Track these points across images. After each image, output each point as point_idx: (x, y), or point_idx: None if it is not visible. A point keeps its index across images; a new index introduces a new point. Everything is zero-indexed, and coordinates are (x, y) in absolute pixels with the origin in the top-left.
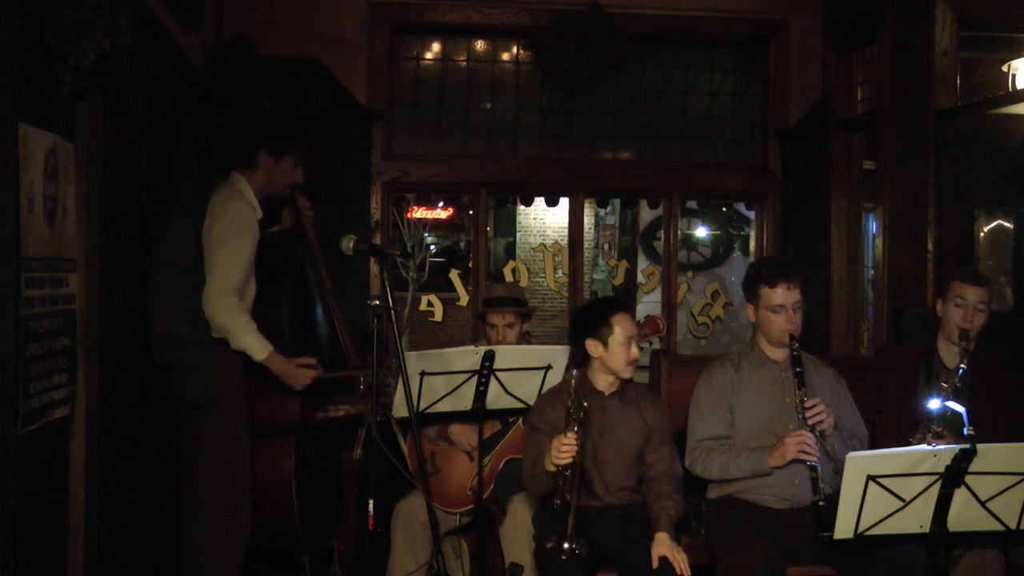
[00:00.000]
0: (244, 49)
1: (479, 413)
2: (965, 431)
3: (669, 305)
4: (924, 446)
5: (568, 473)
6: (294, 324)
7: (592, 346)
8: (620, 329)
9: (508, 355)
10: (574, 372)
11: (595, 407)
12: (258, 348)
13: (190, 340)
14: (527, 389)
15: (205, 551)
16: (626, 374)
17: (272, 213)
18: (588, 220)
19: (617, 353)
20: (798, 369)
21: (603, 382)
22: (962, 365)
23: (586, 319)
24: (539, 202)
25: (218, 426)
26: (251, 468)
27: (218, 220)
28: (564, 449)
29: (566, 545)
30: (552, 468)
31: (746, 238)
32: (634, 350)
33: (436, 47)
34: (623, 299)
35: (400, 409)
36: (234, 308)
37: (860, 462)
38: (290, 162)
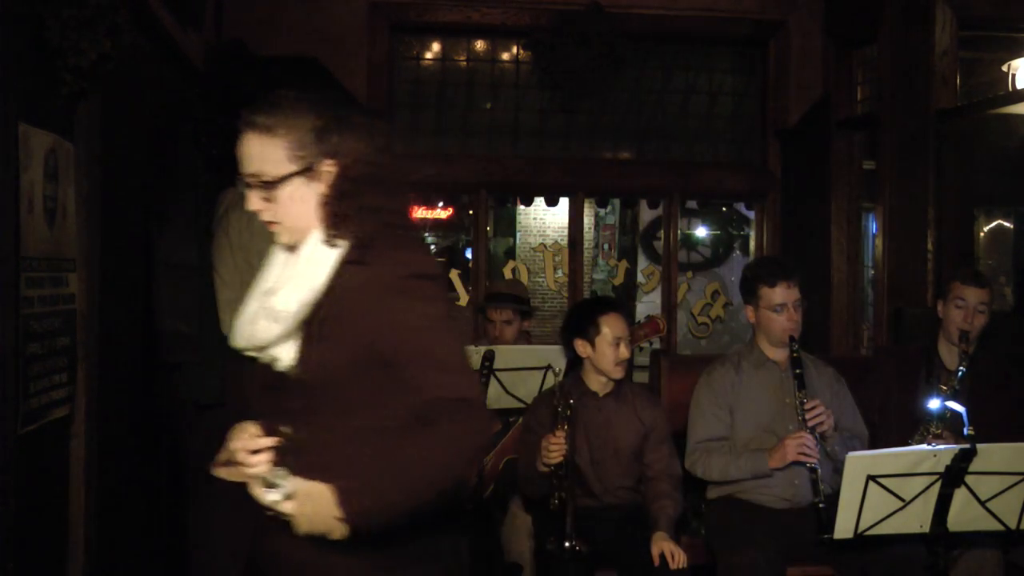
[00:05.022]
0: (239, 51)
1: None
2: (965, 431)
3: (669, 305)
4: (924, 446)
5: (562, 473)
6: None
7: (580, 346)
8: (608, 329)
9: (508, 355)
10: (561, 369)
11: (590, 408)
12: None
13: (196, 340)
14: (527, 389)
15: (214, 549)
16: (616, 375)
17: None
18: (588, 220)
19: (605, 353)
20: (798, 370)
21: (596, 383)
22: (961, 367)
23: (575, 319)
24: (539, 202)
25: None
26: None
27: (264, 240)
28: (553, 448)
29: (566, 544)
30: (544, 469)
31: (746, 238)
32: (623, 351)
33: (436, 47)
34: (615, 299)
35: None
36: None
37: (860, 462)
38: None
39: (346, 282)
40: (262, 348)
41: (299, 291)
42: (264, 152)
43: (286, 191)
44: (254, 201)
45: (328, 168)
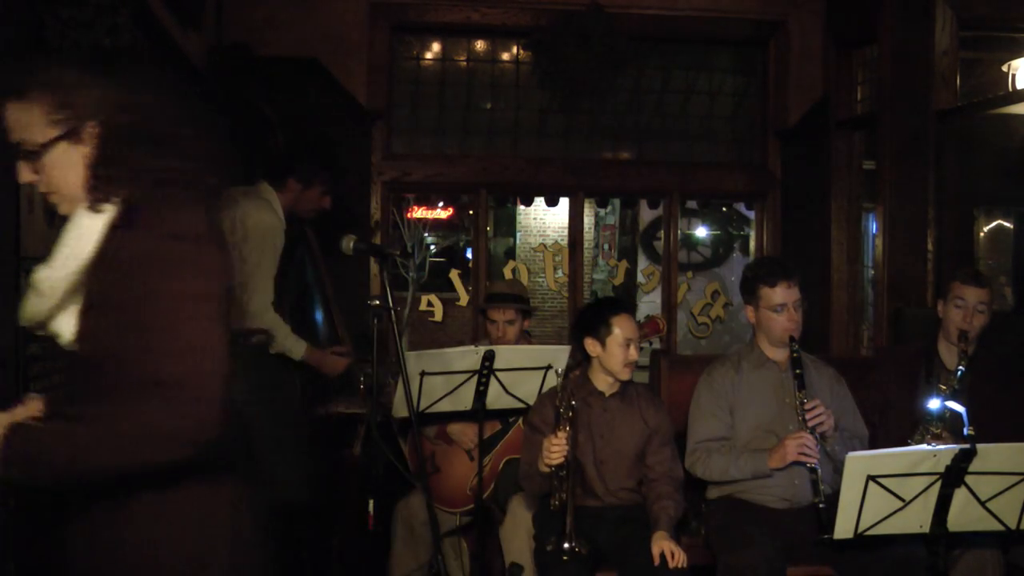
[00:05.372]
0: (243, 54)
1: (479, 413)
2: (965, 431)
3: (669, 305)
4: (924, 446)
5: (563, 473)
6: (295, 322)
7: (591, 345)
8: (619, 330)
9: (508, 355)
10: (563, 369)
11: (596, 407)
12: (296, 348)
13: None
14: (527, 389)
15: None
16: (623, 375)
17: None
18: (588, 220)
19: (615, 354)
20: (798, 371)
21: (603, 382)
22: (961, 367)
23: (586, 318)
24: (539, 202)
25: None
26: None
27: (251, 236)
28: (554, 449)
29: (566, 545)
30: (546, 469)
31: (746, 238)
32: (632, 352)
33: (436, 47)
34: (625, 300)
35: (400, 409)
36: (278, 320)
37: (860, 462)
38: (318, 191)
39: (112, 248)
40: (40, 324)
41: (65, 262)
42: (22, 119)
43: (51, 158)
44: (24, 173)
45: (91, 129)
